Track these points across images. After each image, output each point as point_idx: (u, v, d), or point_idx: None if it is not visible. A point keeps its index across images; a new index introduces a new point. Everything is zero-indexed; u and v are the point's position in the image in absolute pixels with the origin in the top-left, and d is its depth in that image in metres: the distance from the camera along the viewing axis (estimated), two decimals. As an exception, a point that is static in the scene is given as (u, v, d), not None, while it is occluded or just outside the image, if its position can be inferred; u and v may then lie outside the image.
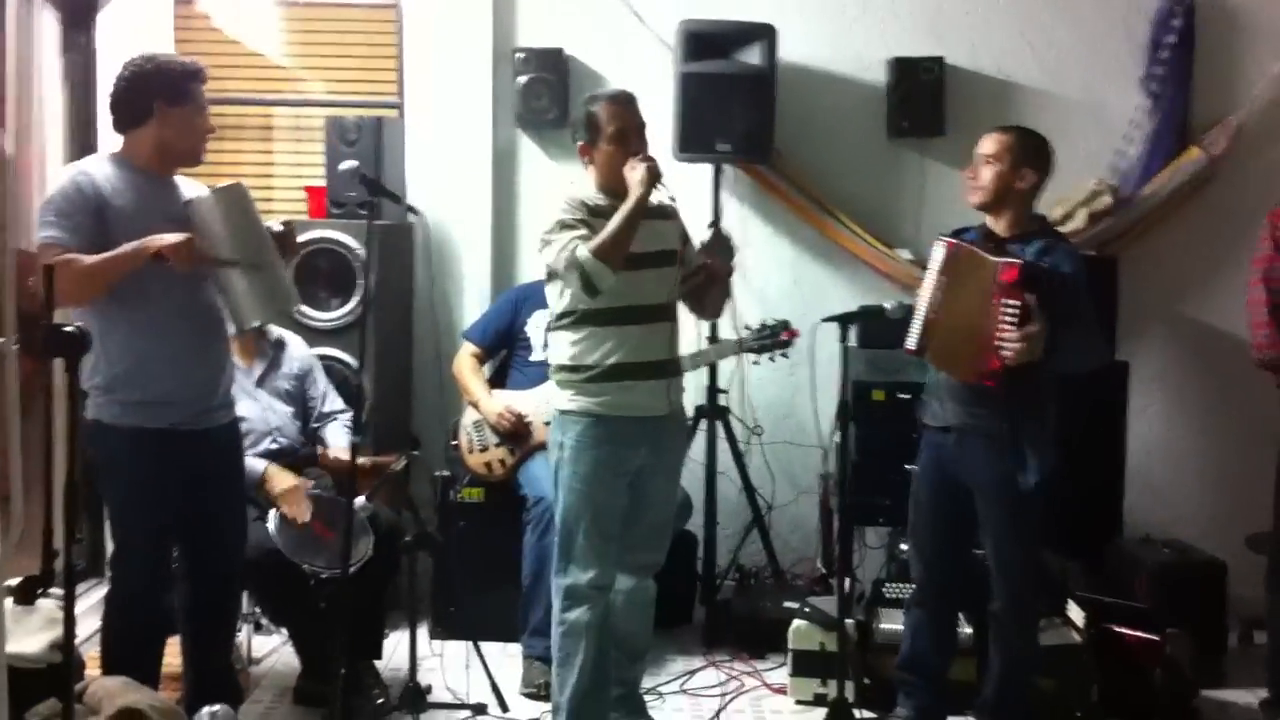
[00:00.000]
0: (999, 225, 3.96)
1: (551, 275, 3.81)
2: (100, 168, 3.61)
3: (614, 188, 3.81)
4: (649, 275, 3.80)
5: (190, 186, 3.75)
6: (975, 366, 3.79)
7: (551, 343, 3.93)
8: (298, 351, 4.63)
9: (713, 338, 5.11)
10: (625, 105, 3.85)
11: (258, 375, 4.48)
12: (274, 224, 3.75)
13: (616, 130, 3.80)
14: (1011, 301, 3.70)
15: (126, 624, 3.69)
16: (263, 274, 3.60)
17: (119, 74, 3.66)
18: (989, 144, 3.95)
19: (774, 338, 4.79)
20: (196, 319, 3.66)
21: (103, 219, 3.49)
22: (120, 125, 3.67)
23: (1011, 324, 3.69)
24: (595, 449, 3.77)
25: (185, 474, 3.64)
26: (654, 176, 3.70)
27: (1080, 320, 3.82)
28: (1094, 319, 3.94)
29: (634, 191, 3.68)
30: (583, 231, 3.69)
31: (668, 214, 3.92)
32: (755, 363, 4.93)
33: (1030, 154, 3.94)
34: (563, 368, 3.84)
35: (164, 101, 3.60)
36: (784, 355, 4.83)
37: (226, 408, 3.82)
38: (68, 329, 3.07)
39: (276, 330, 4.59)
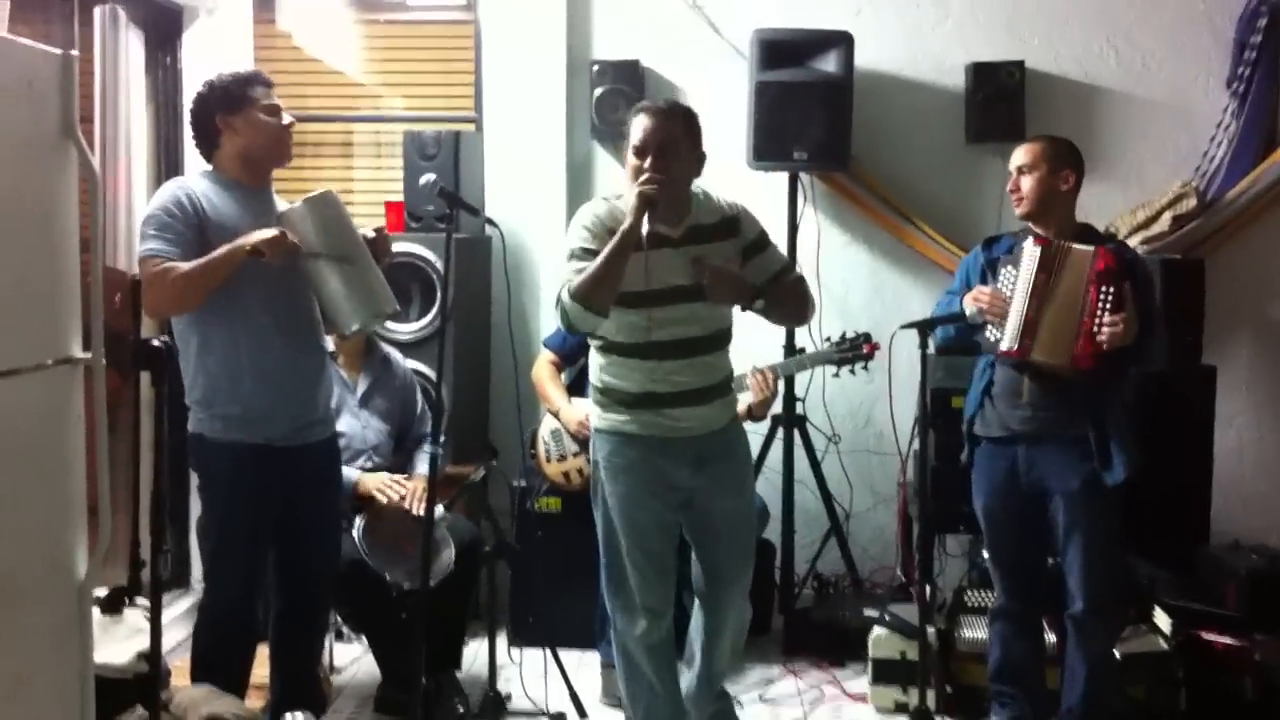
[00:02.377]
0: (1046, 233, 3.97)
1: None
2: (200, 183, 3.68)
3: None
4: (681, 310, 3.59)
5: (285, 205, 3.82)
6: (1071, 354, 3.83)
7: (590, 358, 3.80)
8: (400, 370, 4.68)
9: (789, 348, 5.10)
10: (652, 117, 3.55)
11: (361, 394, 4.54)
12: (367, 230, 3.80)
13: (637, 144, 3.54)
14: (1108, 287, 3.78)
15: (219, 634, 3.75)
16: (358, 275, 3.63)
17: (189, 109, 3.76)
18: (1022, 155, 4.02)
19: (855, 351, 4.75)
20: (295, 333, 3.71)
21: (204, 232, 3.55)
22: (204, 153, 3.76)
23: (1107, 309, 3.78)
24: (630, 469, 3.67)
25: (283, 488, 3.69)
26: (645, 203, 3.43)
27: (1153, 316, 3.91)
28: (1161, 317, 4.00)
29: (625, 221, 3.45)
30: (584, 265, 3.48)
31: (724, 232, 3.67)
32: (835, 375, 4.90)
33: (1066, 156, 4.01)
34: (595, 387, 3.73)
35: (224, 113, 3.67)
36: (864, 369, 4.80)
37: (325, 423, 3.87)
38: (154, 344, 3.13)
39: (385, 348, 4.66)
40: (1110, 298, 3.78)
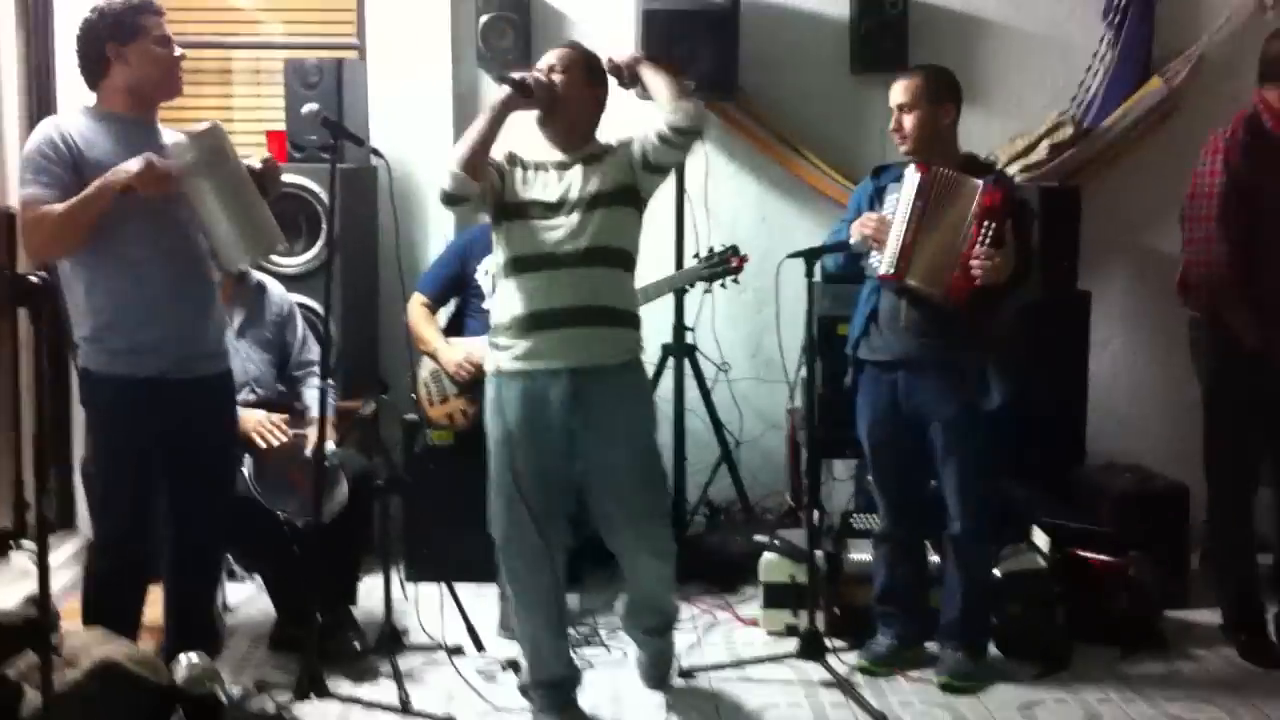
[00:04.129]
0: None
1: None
2: (75, 120, 3.59)
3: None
4: (548, 224, 3.68)
5: (173, 136, 3.71)
6: (947, 285, 3.90)
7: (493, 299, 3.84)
8: (277, 296, 4.59)
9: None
10: (558, 50, 3.80)
11: (238, 325, 4.44)
12: (254, 161, 3.72)
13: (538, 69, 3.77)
14: (990, 223, 3.84)
15: (108, 572, 3.70)
16: (244, 211, 3.57)
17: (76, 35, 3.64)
18: (901, 93, 4.03)
19: (723, 264, 4.78)
20: (182, 265, 3.63)
21: (80, 171, 3.47)
22: (89, 82, 3.64)
23: (986, 243, 3.83)
24: (507, 409, 3.69)
25: (172, 422, 3.63)
26: (517, 82, 3.65)
27: (1029, 254, 4.02)
28: (1035, 254, 4.12)
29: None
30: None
31: (611, 152, 3.77)
32: (707, 291, 4.94)
33: (944, 89, 4.05)
34: (490, 327, 3.79)
35: (115, 42, 3.57)
36: (735, 281, 4.82)
37: (218, 357, 3.80)
38: (32, 279, 3.05)
39: (256, 275, 4.57)
40: (991, 233, 3.84)
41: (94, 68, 3.62)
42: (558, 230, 3.67)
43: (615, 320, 3.75)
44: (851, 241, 4.09)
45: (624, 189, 3.74)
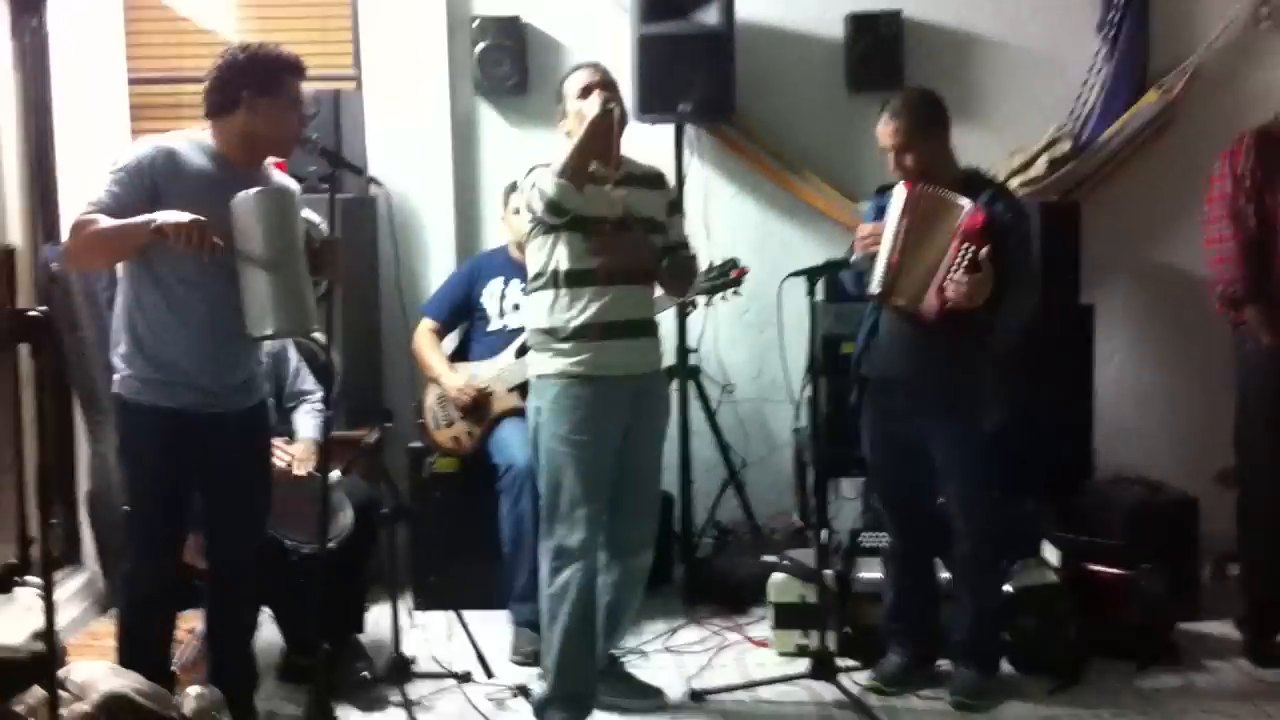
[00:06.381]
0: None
1: (531, 235, 3.86)
2: (182, 145, 3.54)
3: None
4: (625, 239, 3.82)
5: (280, 175, 3.73)
6: (919, 301, 3.88)
7: (526, 306, 3.92)
8: None
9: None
10: (590, 68, 3.92)
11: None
12: (318, 231, 3.75)
13: (581, 88, 3.85)
14: (969, 245, 3.78)
15: (141, 598, 3.68)
16: (286, 283, 3.48)
17: (213, 62, 3.58)
18: (888, 137, 3.98)
19: (724, 277, 4.74)
20: (226, 312, 3.54)
21: (154, 199, 3.40)
22: (207, 112, 3.59)
23: (962, 266, 3.78)
24: (574, 410, 3.80)
25: (195, 455, 3.60)
26: (606, 103, 3.71)
27: (1023, 274, 3.95)
28: (1034, 274, 4.05)
29: (589, 116, 3.71)
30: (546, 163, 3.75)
31: (653, 183, 3.98)
32: (708, 304, 4.91)
33: (927, 119, 3.99)
34: (538, 330, 3.87)
35: (252, 91, 3.52)
36: (737, 294, 4.77)
37: (247, 394, 3.73)
38: (31, 314, 3.04)
39: None
40: (968, 256, 3.79)
41: (221, 104, 3.55)
42: (622, 247, 3.82)
43: (653, 331, 4.02)
44: (852, 259, 4.08)
45: (658, 223, 3.95)
